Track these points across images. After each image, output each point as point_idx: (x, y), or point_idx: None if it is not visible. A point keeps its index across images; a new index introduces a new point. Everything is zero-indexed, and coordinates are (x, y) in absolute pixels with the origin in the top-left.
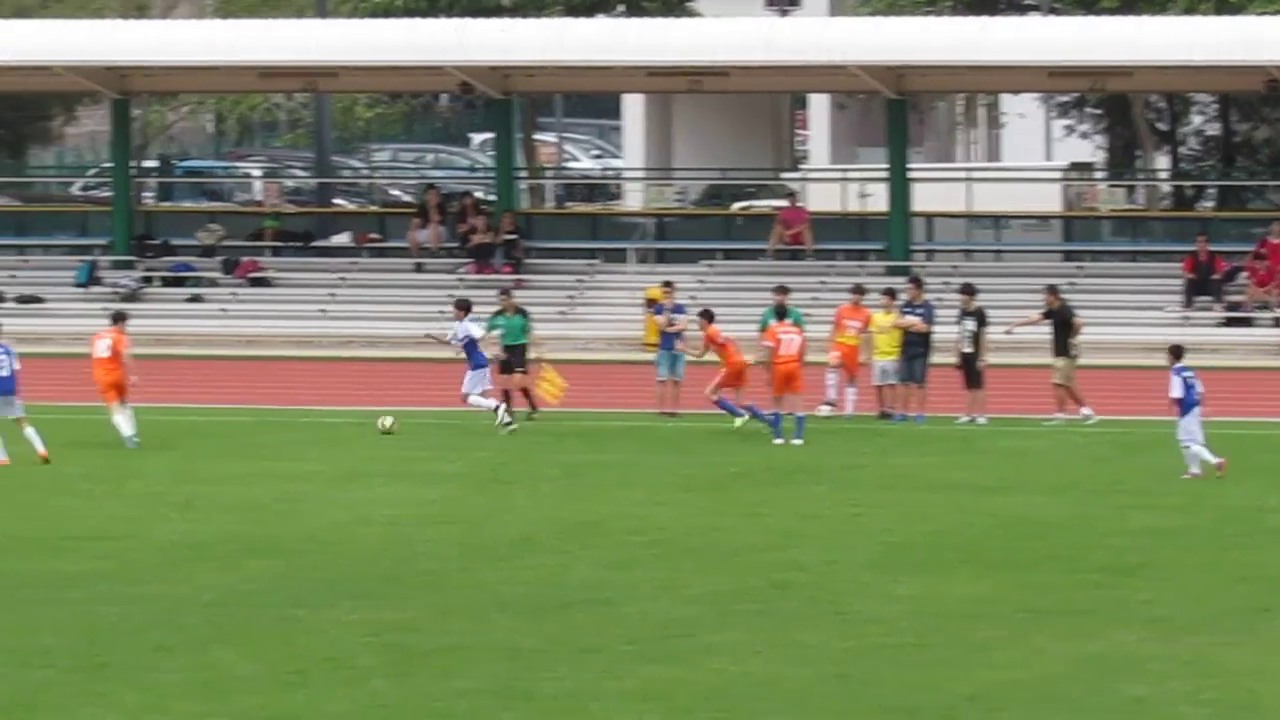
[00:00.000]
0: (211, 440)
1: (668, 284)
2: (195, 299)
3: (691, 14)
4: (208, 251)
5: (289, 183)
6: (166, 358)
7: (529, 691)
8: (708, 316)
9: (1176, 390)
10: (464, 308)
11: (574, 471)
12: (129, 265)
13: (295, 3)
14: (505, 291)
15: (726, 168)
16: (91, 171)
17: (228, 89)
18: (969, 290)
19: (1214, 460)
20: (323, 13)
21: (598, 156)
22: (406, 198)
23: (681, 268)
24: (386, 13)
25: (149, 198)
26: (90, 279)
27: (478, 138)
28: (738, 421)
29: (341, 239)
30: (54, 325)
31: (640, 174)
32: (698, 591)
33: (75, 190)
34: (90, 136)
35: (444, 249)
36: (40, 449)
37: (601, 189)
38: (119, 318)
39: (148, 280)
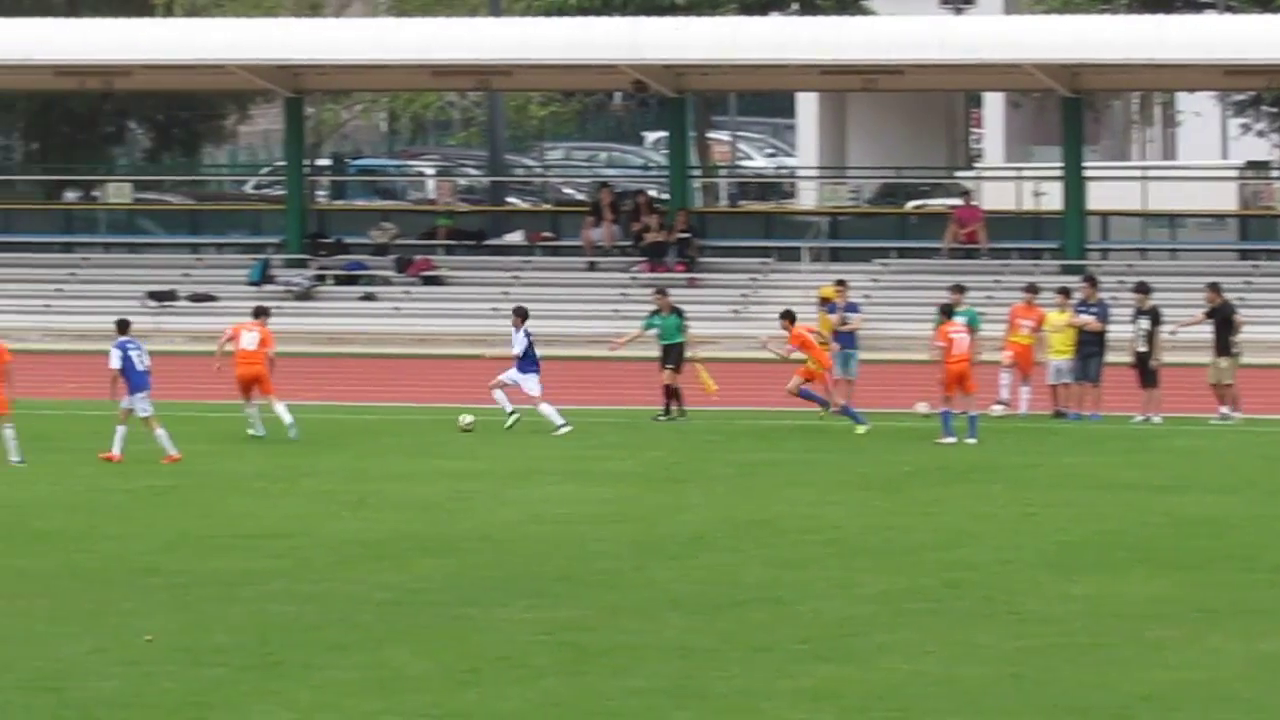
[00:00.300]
0: (385, 438)
1: (840, 282)
2: (368, 297)
3: (866, 12)
4: (381, 250)
5: (462, 181)
6: (339, 356)
7: (701, 690)
8: (789, 318)
9: None
10: (522, 316)
11: (747, 470)
12: (302, 264)
13: (468, 1)
14: (660, 291)
15: (901, 166)
16: (265, 170)
17: (401, 87)
18: (1144, 289)
19: None
20: (496, 11)
21: (771, 155)
22: (580, 196)
23: (855, 266)
24: (560, 11)
25: (322, 196)
26: (263, 277)
27: (651, 136)
28: (860, 429)
29: (514, 237)
30: (227, 324)
31: (814, 172)
32: (871, 590)
33: (249, 189)
34: (264, 135)
35: (617, 248)
36: (171, 451)
37: (775, 187)
38: (262, 313)
39: (321, 279)
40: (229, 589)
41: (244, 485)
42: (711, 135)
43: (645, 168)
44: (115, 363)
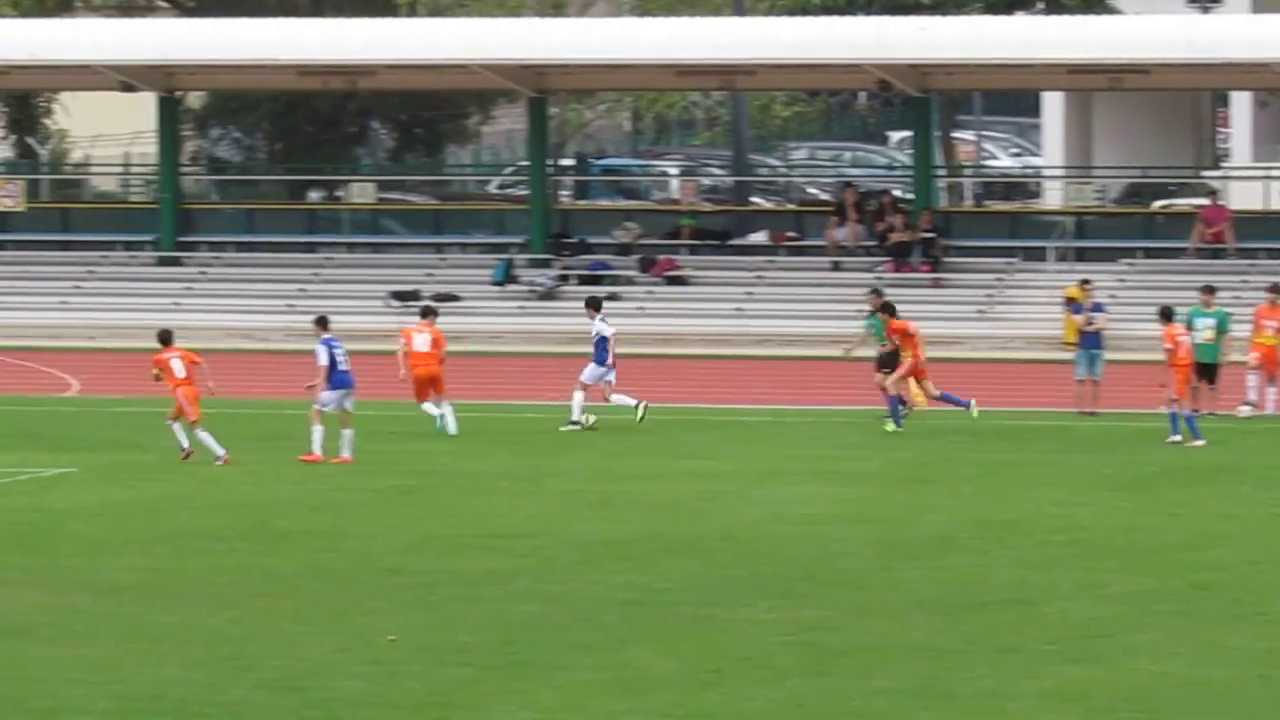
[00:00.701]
0: (628, 438)
1: (1086, 282)
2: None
3: (1111, 11)
4: (624, 250)
5: (706, 181)
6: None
7: (947, 691)
8: (889, 310)
9: None
10: (595, 306)
11: (993, 470)
12: (545, 264)
13: (713, 0)
14: (875, 291)
15: (1147, 166)
16: (508, 170)
17: (644, 87)
18: None
19: None
20: (740, 10)
21: (1016, 154)
22: (824, 196)
23: (1101, 266)
24: (804, 10)
25: (566, 196)
26: (507, 277)
27: (895, 136)
28: (973, 411)
29: (758, 237)
30: (470, 323)
31: (1059, 172)
32: (1118, 591)
33: (492, 189)
34: (507, 135)
35: (861, 247)
36: (345, 453)
37: (1020, 187)
38: (430, 313)
39: (564, 278)
40: (473, 589)
41: (488, 485)
42: (956, 135)
43: (890, 167)
44: (324, 359)
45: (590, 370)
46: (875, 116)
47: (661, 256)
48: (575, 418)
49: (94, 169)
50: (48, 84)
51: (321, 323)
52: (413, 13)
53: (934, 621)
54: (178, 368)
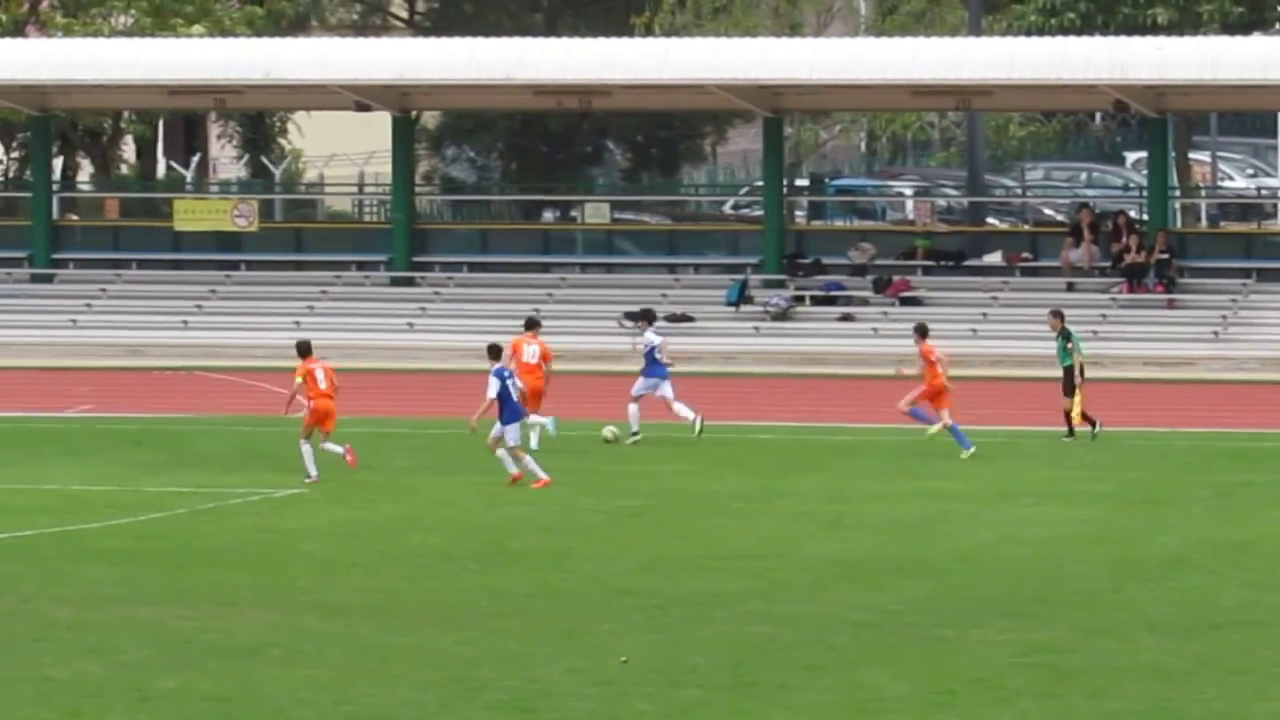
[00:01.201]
0: (862, 459)
1: None
2: (846, 318)
3: None
4: (859, 270)
5: (941, 202)
6: (817, 377)
7: (1178, 713)
8: (922, 332)
9: None
10: (648, 318)
11: (1225, 492)
12: (780, 284)
13: (948, 21)
14: (1055, 313)
15: None
16: (743, 190)
17: (880, 107)
18: None
19: None
20: (976, 30)
21: (1252, 175)
22: (1059, 217)
23: None
24: (1040, 31)
25: (801, 216)
26: (741, 298)
27: (1132, 156)
28: (930, 430)
29: (993, 258)
30: (704, 344)
31: None
32: None
33: (727, 209)
34: (742, 155)
35: (1096, 268)
36: (512, 470)
37: (1256, 208)
38: (533, 325)
39: (799, 299)
40: (703, 610)
41: (719, 506)
42: (1192, 155)
43: (1125, 188)
44: (493, 391)
45: (648, 383)
46: (1111, 137)
47: (896, 277)
48: (634, 430)
49: (328, 189)
50: (282, 103)
51: (494, 352)
52: (648, 32)
53: (1165, 643)
54: (320, 378)
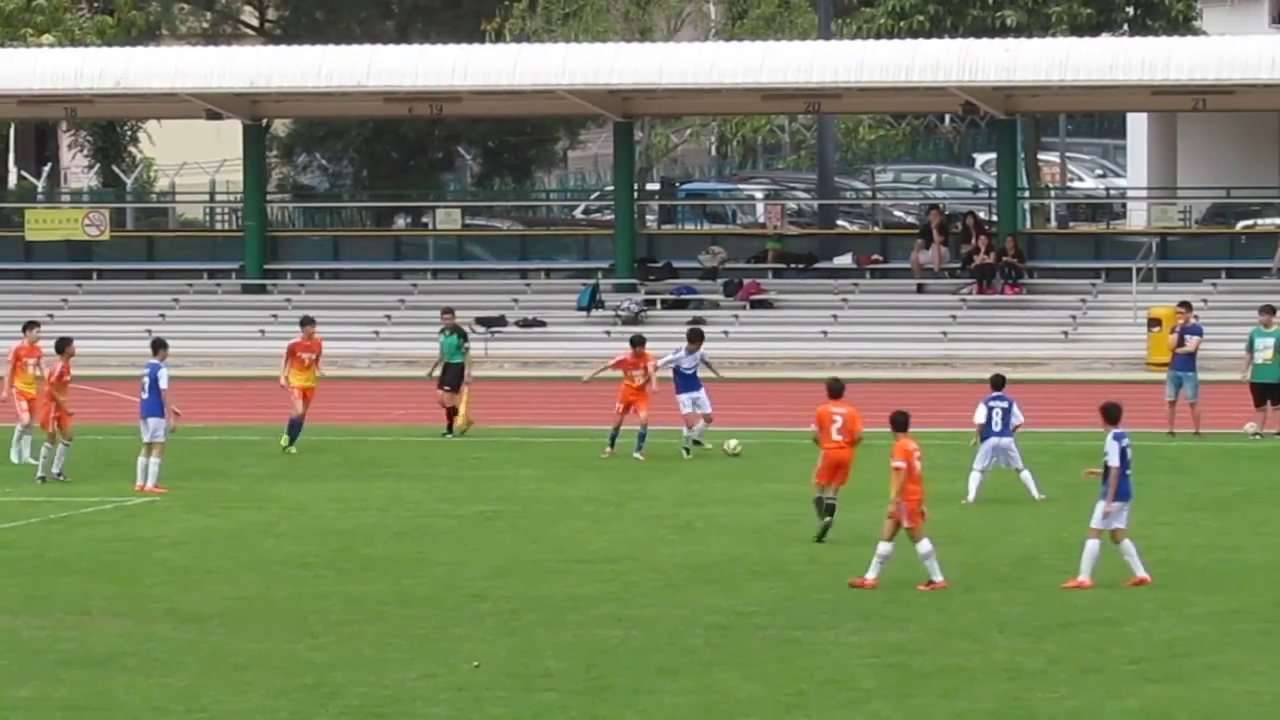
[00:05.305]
0: (714, 462)
1: (1184, 304)
2: (697, 321)
3: (1196, 32)
4: (710, 274)
5: (791, 205)
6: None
7: (1030, 712)
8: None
9: None
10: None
11: (1076, 491)
12: (631, 288)
13: (798, 25)
14: (446, 310)
15: (1231, 186)
16: (594, 195)
17: (730, 111)
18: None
19: None
20: (826, 34)
21: (1101, 176)
22: (909, 219)
23: (1185, 287)
24: (889, 34)
25: (651, 220)
26: (592, 302)
27: (981, 158)
28: None
29: (844, 260)
30: (557, 349)
31: (1143, 193)
32: (1201, 611)
33: (578, 214)
34: (593, 159)
35: (946, 270)
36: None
37: (1105, 208)
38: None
39: (650, 303)
40: (557, 614)
41: (572, 510)
42: (1042, 156)
43: (975, 189)
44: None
45: (687, 399)
46: (961, 139)
47: (747, 280)
48: (695, 440)
49: (180, 197)
50: (133, 112)
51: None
52: (499, 38)
53: (1017, 642)
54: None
